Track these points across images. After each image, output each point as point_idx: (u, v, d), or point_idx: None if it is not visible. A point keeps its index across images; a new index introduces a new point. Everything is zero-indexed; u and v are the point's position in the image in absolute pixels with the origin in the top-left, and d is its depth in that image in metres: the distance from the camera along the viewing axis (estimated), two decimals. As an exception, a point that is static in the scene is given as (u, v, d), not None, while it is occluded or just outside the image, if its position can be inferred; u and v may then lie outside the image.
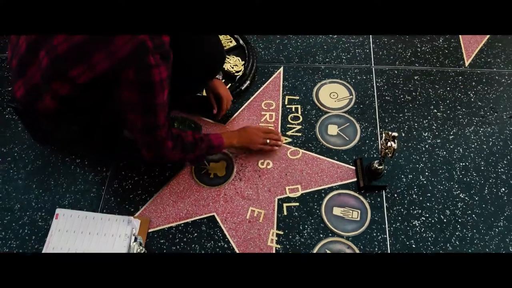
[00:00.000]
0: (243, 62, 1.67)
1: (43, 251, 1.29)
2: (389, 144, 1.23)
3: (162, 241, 1.32)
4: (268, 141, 1.43)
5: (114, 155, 1.48)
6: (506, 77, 1.65)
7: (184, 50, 1.13)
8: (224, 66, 1.62)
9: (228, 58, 1.67)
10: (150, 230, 1.34)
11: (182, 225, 1.35)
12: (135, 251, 1.26)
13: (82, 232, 1.32)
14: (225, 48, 1.70)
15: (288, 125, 1.54)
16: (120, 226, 1.33)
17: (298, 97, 1.61)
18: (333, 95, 1.61)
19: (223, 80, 1.60)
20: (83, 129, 1.23)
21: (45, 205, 1.40)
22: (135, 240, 1.28)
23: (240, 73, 1.63)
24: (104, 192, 1.42)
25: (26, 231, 1.34)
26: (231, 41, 1.73)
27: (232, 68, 1.65)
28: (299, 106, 1.59)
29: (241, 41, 1.73)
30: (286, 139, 1.50)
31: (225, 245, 1.30)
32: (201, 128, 1.53)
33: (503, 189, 1.38)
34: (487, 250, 1.27)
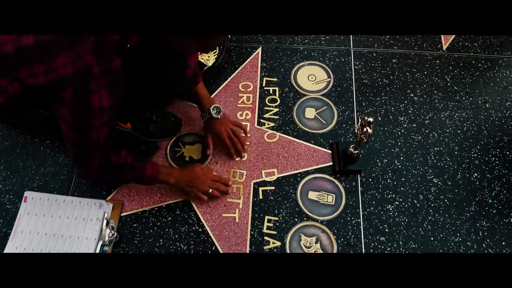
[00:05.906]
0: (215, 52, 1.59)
1: (11, 235, 1.26)
2: (364, 129, 1.22)
3: (135, 225, 1.30)
4: (210, 190, 1.29)
5: None
6: (483, 61, 1.66)
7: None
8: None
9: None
10: (122, 214, 1.31)
11: (156, 208, 1.33)
12: (107, 236, 1.24)
13: (52, 215, 1.29)
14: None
15: (265, 108, 1.52)
16: (91, 210, 1.30)
17: (276, 79, 1.59)
18: (311, 77, 1.59)
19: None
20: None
21: (13, 187, 1.35)
22: (107, 224, 1.26)
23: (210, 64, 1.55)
24: (75, 174, 1.38)
25: (-7, 214, 1.31)
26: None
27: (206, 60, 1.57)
28: (276, 88, 1.56)
29: None
30: (264, 122, 1.48)
31: (200, 229, 1.29)
32: (181, 121, 1.46)
33: (476, 175, 1.40)
34: (458, 234, 1.30)
